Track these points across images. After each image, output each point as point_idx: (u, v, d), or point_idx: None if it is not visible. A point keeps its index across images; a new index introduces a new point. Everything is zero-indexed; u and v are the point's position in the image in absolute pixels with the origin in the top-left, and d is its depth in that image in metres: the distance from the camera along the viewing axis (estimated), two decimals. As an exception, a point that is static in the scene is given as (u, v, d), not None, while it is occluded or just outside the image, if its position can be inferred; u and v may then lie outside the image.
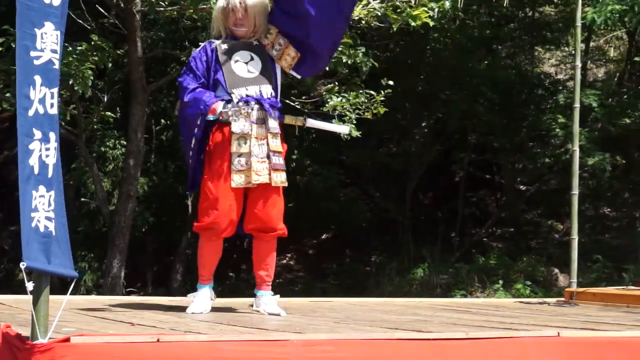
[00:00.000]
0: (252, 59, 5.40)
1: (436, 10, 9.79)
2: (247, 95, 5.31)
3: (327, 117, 11.13)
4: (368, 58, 10.67)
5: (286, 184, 5.33)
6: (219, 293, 5.64)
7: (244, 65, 5.38)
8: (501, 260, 16.33)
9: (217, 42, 5.44)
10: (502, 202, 19.24)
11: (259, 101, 5.30)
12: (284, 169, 5.32)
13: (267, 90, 5.36)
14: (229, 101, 5.31)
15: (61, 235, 3.57)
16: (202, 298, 5.42)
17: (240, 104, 5.28)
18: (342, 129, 5.85)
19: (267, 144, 5.27)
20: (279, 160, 5.30)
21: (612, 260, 15.55)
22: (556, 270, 16.23)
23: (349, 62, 10.40)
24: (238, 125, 5.26)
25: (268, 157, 5.27)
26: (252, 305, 5.59)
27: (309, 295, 11.18)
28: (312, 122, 5.62)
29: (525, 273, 15.84)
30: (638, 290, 7.64)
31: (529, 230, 18.41)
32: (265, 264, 5.51)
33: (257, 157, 5.26)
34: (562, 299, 7.73)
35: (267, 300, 5.51)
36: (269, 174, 5.26)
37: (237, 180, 5.24)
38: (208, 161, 5.34)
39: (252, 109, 5.28)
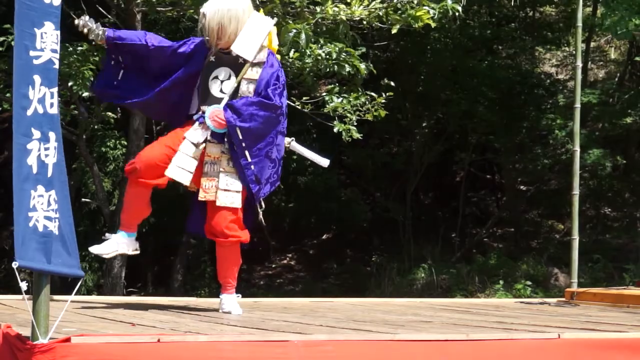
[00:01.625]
0: (229, 77, 5.37)
1: (436, 12, 9.77)
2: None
3: (328, 118, 11.13)
4: (367, 63, 10.65)
5: (236, 206, 5.29)
6: (218, 293, 5.63)
7: (219, 84, 5.37)
8: (502, 261, 16.34)
9: (211, 50, 5.42)
10: (503, 202, 19.24)
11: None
12: (238, 190, 5.29)
13: (225, 101, 5.32)
14: (198, 111, 5.38)
15: (67, 235, 3.55)
16: (111, 241, 5.38)
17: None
18: (322, 161, 5.85)
19: (220, 164, 5.30)
20: (233, 181, 5.29)
21: (612, 261, 15.55)
22: (556, 271, 16.22)
23: (351, 72, 10.41)
24: (194, 134, 5.30)
25: (218, 176, 5.29)
26: (219, 310, 5.57)
27: (310, 295, 11.20)
28: (296, 147, 5.65)
29: (525, 273, 15.84)
30: (639, 290, 7.63)
31: (529, 231, 18.41)
32: (224, 270, 5.51)
33: (207, 175, 5.30)
34: (563, 299, 7.73)
35: (225, 299, 5.50)
36: (216, 193, 5.27)
37: (172, 170, 5.23)
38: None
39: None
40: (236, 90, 5.34)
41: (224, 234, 5.33)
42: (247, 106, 5.28)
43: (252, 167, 5.29)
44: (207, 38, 5.41)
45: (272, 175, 5.43)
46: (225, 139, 5.31)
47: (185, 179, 5.27)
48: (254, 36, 5.36)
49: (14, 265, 3.42)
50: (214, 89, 5.36)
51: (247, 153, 5.28)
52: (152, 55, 5.42)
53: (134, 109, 5.49)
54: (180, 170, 5.26)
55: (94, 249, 5.28)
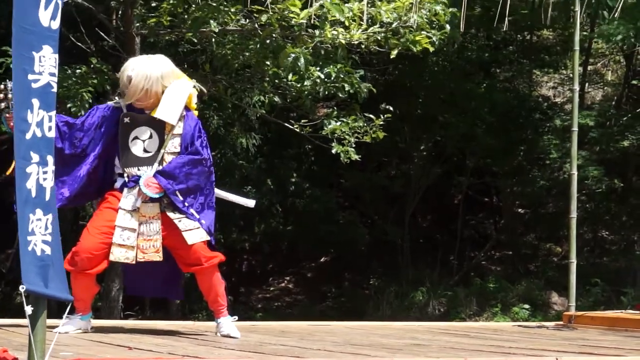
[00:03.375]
0: (150, 136, 5.36)
1: (436, 39, 9.81)
2: (136, 175, 5.31)
3: (326, 141, 11.14)
4: (367, 85, 10.69)
5: (206, 238, 5.33)
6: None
7: (141, 144, 5.35)
8: (499, 284, 16.32)
9: (123, 112, 5.39)
10: (501, 225, 19.23)
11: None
12: (197, 226, 5.30)
13: (156, 166, 5.33)
14: (121, 175, 5.36)
15: (57, 259, 3.55)
16: (75, 321, 5.39)
17: None
18: (248, 202, 5.91)
19: (163, 219, 5.31)
20: (188, 222, 5.30)
21: (610, 284, 15.53)
22: (554, 294, 16.21)
23: (351, 91, 10.44)
24: (127, 202, 5.30)
25: (159, 232, 5.30)
26: (216, 334, 5.55)
27: (308, 318, 11.15)
28: (219, 193, 5.66)
29: (523, 296, 15.82)
30: (637, 313, 7.62)
31: (527, 254, 18.40)
32: (214, 294, 5.49)
33: (144, 235, 5.31)
34: (561, 322, 7.72)
35: (222, 323, 5.51)
36: (181, 238, 5.27)
37: (117, 254, 5.28)
38: (101, 201, 5.42)
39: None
40: (161, 147, 5.35)
41: (204, 260, 5.35)
42: (179, 168, 5.31)
43: (203, 221, 5.35)
44: (131, 99, 5.34)
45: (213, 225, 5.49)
46: (162, 199, 5.33)
47: (129, 258, 5.29)
48: (176, 100, 5.37)
49: (22, 289, 3.42)
50: (137, 149, 5.35)
51: (192, 211, 5.32)
52: (64, 138, 5.32)
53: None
54: (122, 249, 5.28)
55: (62, 329, 5.18)
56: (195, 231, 5.31)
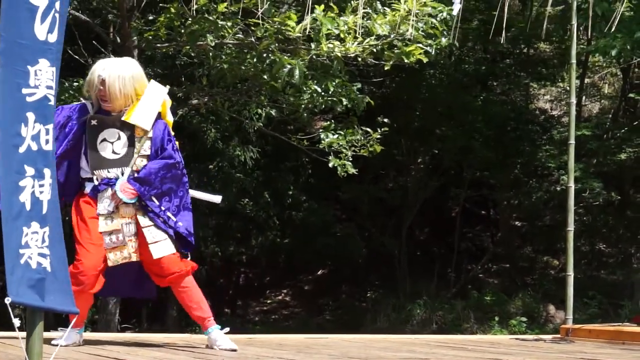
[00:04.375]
0: (119, 138, 5.32)
1: (433, 48, 9.83)
2: (107, 178, 5.29)
3: (323, 154, 11.15)
4: (364, 96, 10.72)
5: (172, 251, 5.31)
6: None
7: (109, 146, 5.31)
8: (497, 297, 16.32)
9: (90, 114, 5.35)
10: (498, 237, 19.24)
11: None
12: (165, 237, 5.29)
13: (129, 170, 5.31)
14: (90, 179, 5.31)
15: (60, 271, 3.53)
16: (72, 334, 5.35)
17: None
18: (215, 198, 5.95)
19: (137, 223, 5.30)
20: (156, 232, 5.29)
21: (607, 297, 15.54)
22: (552, 307, 16.20)
23: (348, 105, 10.46)
24: (103, 206, 5.28)
25: (136, 235, 5.29)
26: (207, 346, 5.52)
27: (305, 331, 11.15)
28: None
29: (520, 309, 15.82)
30: (634, 326, 7.62)
31: (524, 267, 18.40)
32: (194, 304, 5.48)
33: (126, 235, 5.30)
34: (558, 335, 7.72)
35: (216, 336, 5.46)
36: (148, 251, 5.26)
37: (113, 257, 5.27)
38: (77, 212, 5.34)
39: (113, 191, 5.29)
40: (132, 149, 5.32)
41: (175, 273, 5.35)
42: (155, 174, 5.30)
43: (180, 223, 5.34)
44: (115, 104, 5.29)
45: (192, 225, 5.47)
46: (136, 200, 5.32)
47: (127, 256, 5.28)
48: (151, 105, 5.36)
49: (7, 301, 3.39)
50: (106, 151, 5.31)
51: (169, 214, 5.32)
52: None
53: None
54: (116, 252, 5.27)
55: (60, 342, 5.18)
56: (162, 243, 5.28)
